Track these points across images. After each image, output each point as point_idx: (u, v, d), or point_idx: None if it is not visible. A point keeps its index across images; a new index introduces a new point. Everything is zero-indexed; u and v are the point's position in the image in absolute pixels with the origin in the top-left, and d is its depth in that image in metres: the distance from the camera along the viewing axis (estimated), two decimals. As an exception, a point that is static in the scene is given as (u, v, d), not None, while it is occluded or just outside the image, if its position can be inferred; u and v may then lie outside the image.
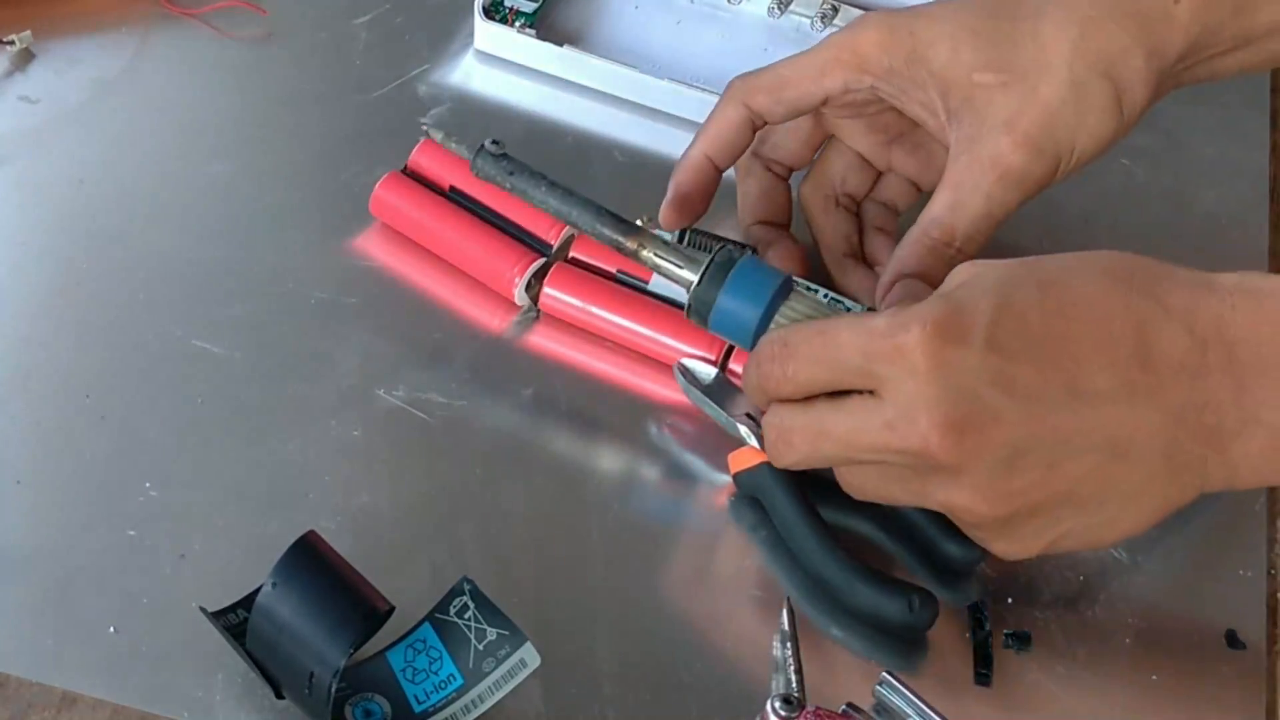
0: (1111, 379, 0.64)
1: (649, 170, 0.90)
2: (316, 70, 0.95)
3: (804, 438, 0.68)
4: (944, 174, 0.76)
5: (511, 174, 0.76)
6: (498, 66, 0.95)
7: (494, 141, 0.76)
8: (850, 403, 0.66)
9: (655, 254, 0.75)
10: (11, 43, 0.92)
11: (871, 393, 0.65)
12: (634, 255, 0.75)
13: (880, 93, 0.78)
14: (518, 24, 0.94)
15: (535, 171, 0.77)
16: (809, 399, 0.68)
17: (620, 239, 0.75)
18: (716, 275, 0.72)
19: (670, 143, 0.90)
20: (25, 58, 0.93)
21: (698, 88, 0.92)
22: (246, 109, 0.93)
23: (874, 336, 0.64)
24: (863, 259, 0.83)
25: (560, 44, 0.94)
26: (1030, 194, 0.76)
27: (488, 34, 0.95)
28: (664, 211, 0.80)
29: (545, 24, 0.95)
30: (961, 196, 0.75)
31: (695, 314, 0.73)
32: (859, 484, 0.70)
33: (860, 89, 0.78)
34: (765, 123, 0.80)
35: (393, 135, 0.90)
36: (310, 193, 0.89)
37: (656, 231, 0.76)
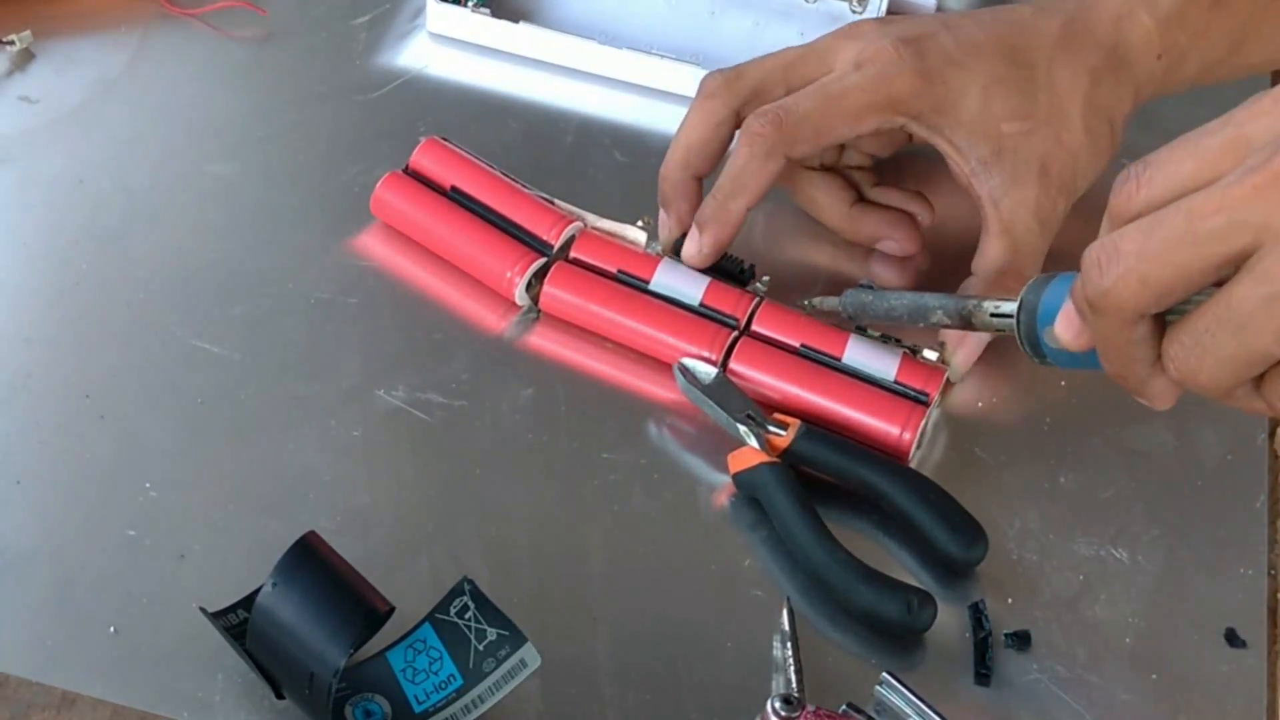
0: None
1: (649, 167, 0.91)
2: (316, 70, 0.95)
3: (1134, 236, 0.55)
4: (990, 220, 0.80)
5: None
6: (457, 48, 0.96)
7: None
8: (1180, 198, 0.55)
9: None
10: (11, 43, 0.93)
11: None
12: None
13: (910, 129, 0.81)
14: (470, 4, 0.95)
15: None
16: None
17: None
18: (1035, 287, 0.67)
19: (637, 112, 0.93)
20: (25, 58, 0.93)
21: (657, 55, 0.93)
22: (246, 109, 0.93)
23: (1232, 115, 0.55)
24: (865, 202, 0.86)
25: (515, 21, 0.94)
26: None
27: (440, 15, 0.95)
28: (694, 255, 0.82)
29: (496, 2, 0.96)
30: (1018, 238, 0.79)
31: (1026, 343, 0.68)
32: (1205, 341, 0.55)
33: (891, 127, 0.81)
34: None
35: (392, 135, 0.90)
36: (310, 193, 0.89)
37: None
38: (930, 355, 0.80)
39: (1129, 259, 0.55)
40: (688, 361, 0.79)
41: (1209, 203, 0.53)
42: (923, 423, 0.77)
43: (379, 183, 0.85)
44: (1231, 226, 0.53)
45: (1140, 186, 0.56)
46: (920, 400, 0.78)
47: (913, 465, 0.78)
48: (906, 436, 0.77)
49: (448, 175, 0.85)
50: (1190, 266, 0.54)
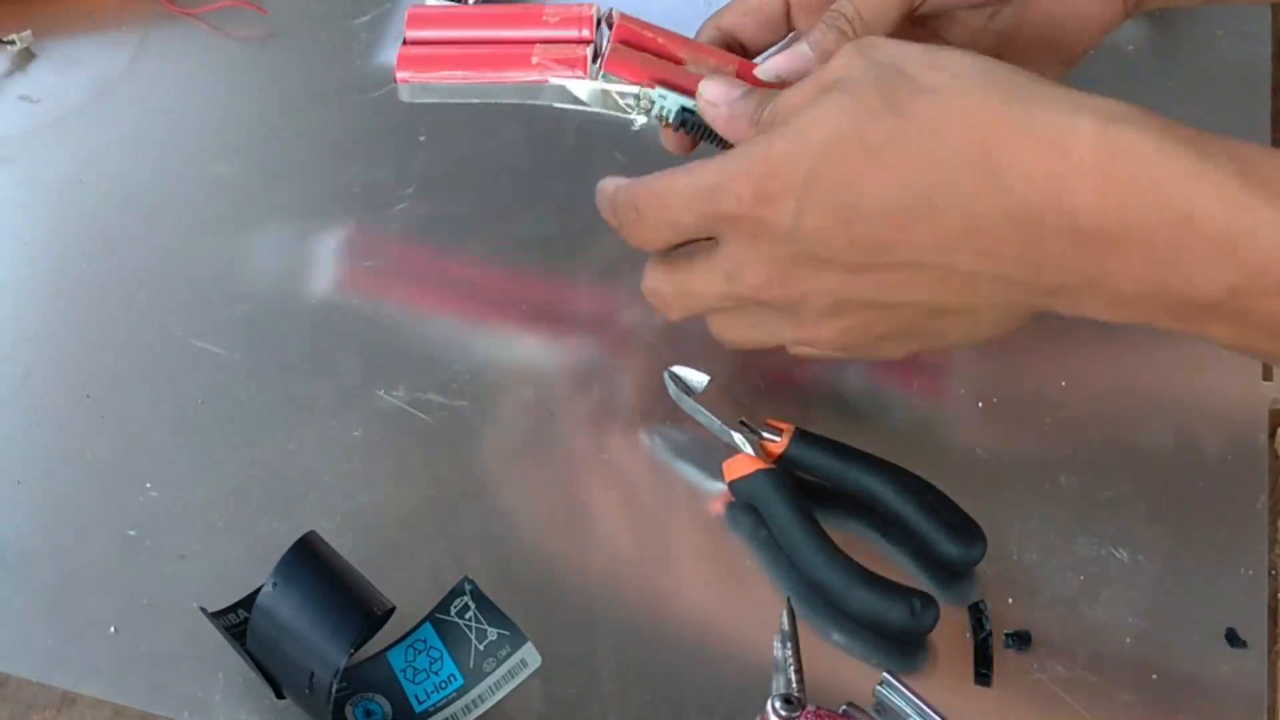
0: (934, 247, 0.65)
1: (649, 165, 0.90)
2: (316, 70, 0.95)
3: (676, 300, 0.73)
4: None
5: None
6: None
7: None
8: (698, 260, 0.71)
9: None
10: (12, 42, 0.93)
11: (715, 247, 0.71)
12: None
13: None
14: (472, 1, 0.94)
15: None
16: (669, 261, 0.73)
17: None
18: None
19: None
20: (25, 57, 0.93)
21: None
22: (246, 109, 0.93)
23: (702, 200, 0.69)
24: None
25: None
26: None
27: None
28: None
29: None
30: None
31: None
32: (725, 333, 0.74)
33: None
34: None
35: (392, 135, 0.90)
36: (310, 192, 0.89)
37: None
38: None
39: (680, 312, 0.74)
40: (679, 370, 0.79)
41: (716, 291, 0.71)
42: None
43: (401, 46, 0.79)
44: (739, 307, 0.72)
45: (647, 242, 0.72)
46: None
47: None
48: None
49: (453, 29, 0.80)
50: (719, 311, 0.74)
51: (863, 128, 0.65)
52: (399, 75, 0.78)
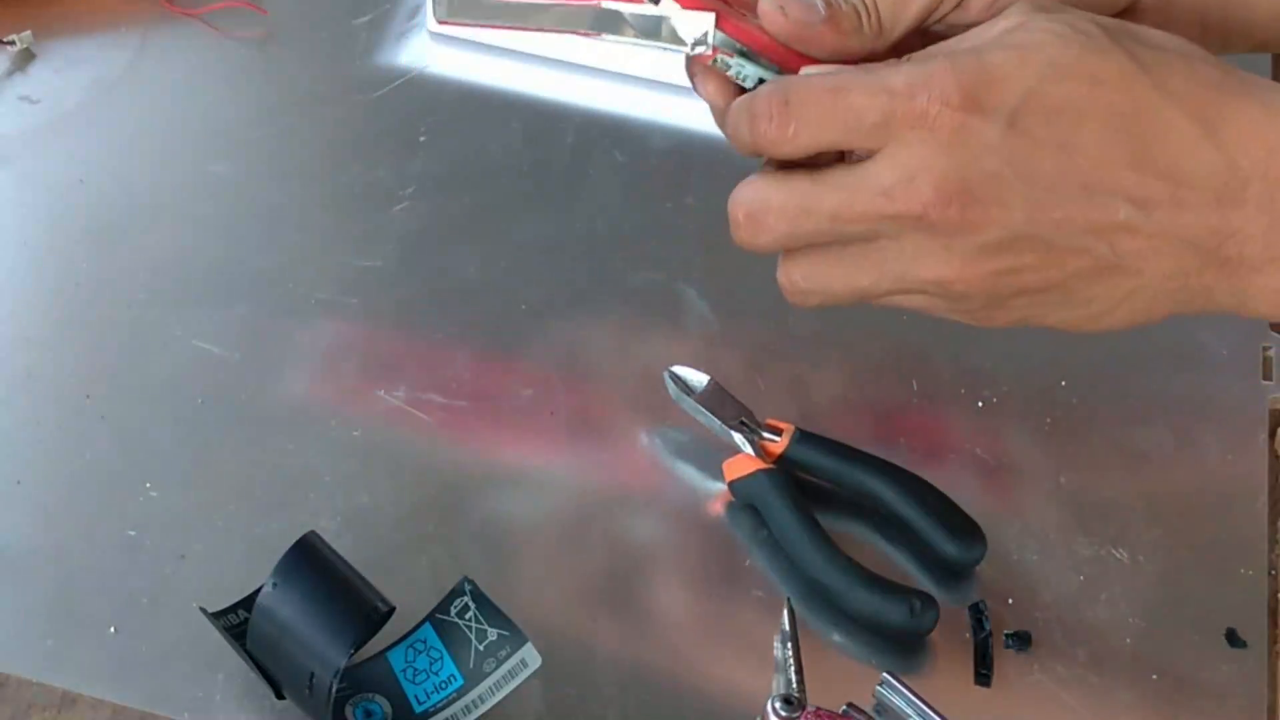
0: (1134, 187, 0.62)
1: (649, 165, 0.90)
2: (317, 70, 0.95)
3: (782, 216, 0.62)
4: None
5: None
6: (457, 47, 0.95)
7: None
8: (835, 173, 0.61)
9: None
10: (12, 43, 0.93)
11: (861, 160, 0.61)
12: None
13: None
14: None
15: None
16: (786, 172, 0.62)
17: None
18: None
19: (637, 107, 0.92)
20: (26, 58, 0.93)
21: (659, 47, 0.92)
22: (246, 109, 0.93)
23: (895, 97, 0.60)
24: None
25: None
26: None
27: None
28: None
29: None
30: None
31: None
32: (821, 274, 0.63)
33: None
34: None
35: (393, 135, 0.90)
36: (311, 192, 0.89)
37: None
38: None
39: (775, 233, 0.62)
40: (679, 369, 0.79)
41: (854, 208, 0.61)
42: None
43: None
44: (867, 231, 0.61)
45: (787, 138, 0.61)
46: None
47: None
48: None
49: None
50: (821, 242, 0.62)
51: (1089, 59, 0.62)
52: None
